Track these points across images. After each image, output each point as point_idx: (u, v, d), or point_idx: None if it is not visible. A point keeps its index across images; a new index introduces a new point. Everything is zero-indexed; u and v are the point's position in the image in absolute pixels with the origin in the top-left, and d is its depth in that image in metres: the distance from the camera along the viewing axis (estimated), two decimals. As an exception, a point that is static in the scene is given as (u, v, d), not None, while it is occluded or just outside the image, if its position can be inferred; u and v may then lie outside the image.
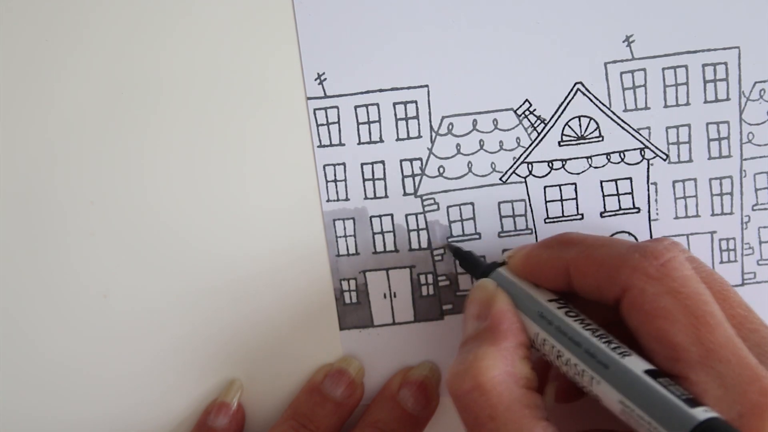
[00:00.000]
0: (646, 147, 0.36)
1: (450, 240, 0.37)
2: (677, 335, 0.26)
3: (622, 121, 0.36)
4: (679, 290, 0.27)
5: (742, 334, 0.27)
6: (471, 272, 0.35)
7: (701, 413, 0.25)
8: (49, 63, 0.36)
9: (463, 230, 0.37)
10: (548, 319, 0.30)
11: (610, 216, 0.37)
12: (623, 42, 0.36)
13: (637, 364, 0.27)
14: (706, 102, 0.36)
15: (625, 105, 0.36)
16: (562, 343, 0.29)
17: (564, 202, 0.37)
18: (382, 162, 0.37)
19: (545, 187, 0.37)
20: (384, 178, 0.37)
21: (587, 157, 0.36)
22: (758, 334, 0.28)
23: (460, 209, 0.37)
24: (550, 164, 0.37)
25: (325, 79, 0.36)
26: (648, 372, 0.27)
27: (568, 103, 0.36)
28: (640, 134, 0.36)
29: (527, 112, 0.36)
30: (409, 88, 0.36)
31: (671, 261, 0.28)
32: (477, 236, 0.37)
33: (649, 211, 0.37)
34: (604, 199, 0.37)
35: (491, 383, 0.28)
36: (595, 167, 0.37)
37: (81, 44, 0.36)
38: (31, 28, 0.36)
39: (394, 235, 0.37)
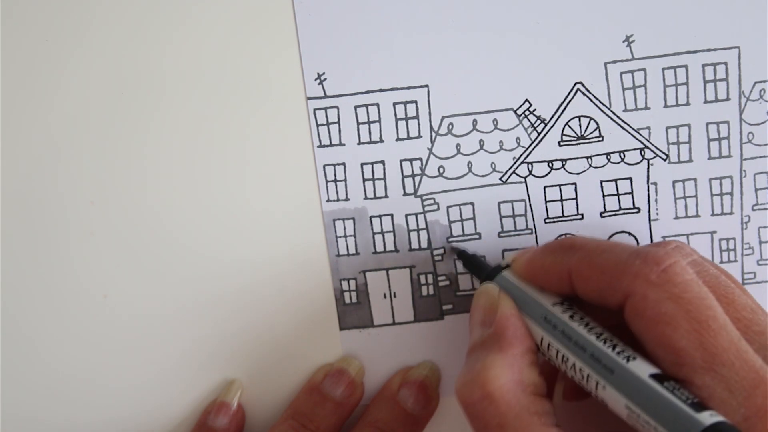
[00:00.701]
0: (646, 147, 0.36)
1: (450, 240, 0.37)
2: (680, 341, 0.26)
3: (622, 121, 0.36)
4: (681, 296, 0.27)
5: (748, 337, 0.27)
6: (474, 274, 0.35)
7: (707, 417, 0.25)
8: (50, 63, 0.36)
9: (463, 230, 0.37)
10: (553, 323, 0.30)
11: (610, 216, 0.37)
12: (623, 42, 0.36)
13: (642, 368, 0.27)
14: (706, 102, 0.36)
15: (625, 105, 0.36)
16: (568, 347, 0.29)
17: (564, 202, 0.37)
18: (382, 162, 0.37)
19: (545, 187, 0.37)
20: (384, 178, 0.37)
21: (587, 157, 0.36)
22: (765, 336, 0.28)
23: (460, 209, 0.37)
24: (550, 164, 0.37)
25: (325, 79, 0.36)
26: (653, 376, 0.27)
27: (568, 103, 0.36)
28: (640, 134, 0.36)
29: (527, 112, 0.36)
30: (409, 88, 0.36)
31: (672, 266, 0.28)
32: (477, 236, 0.37)
33: (649, 211, 0.37)
34: (604, 199, 0.37)
35: (499, 392, 0.28)
36: (595, 167, 0.37)
37: (82, 45, 0.36)
38: (31, 28, 0.36)
39: (394, 235, 0.37)
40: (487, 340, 0.30)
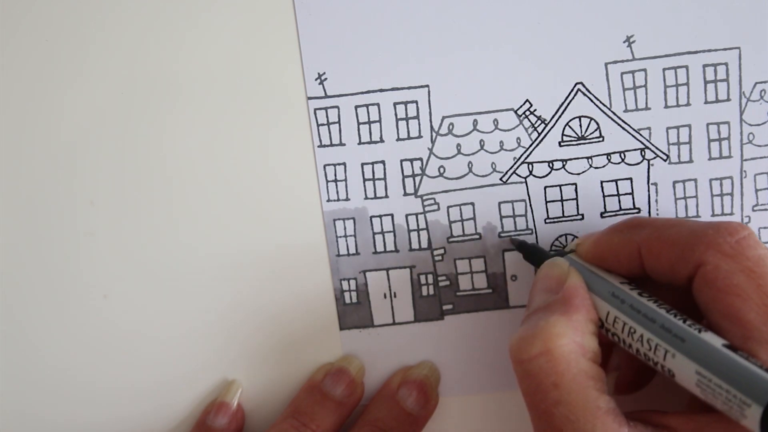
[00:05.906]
0: (647, 147, 0.36)
1: (450, 240, 0.37)
2: (749, 313, 0.27)
3: (623, 121, 0.36)
4: (753, 269, 0.27)
5: None
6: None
7: None
8: (51, 63, 0.36)
9: (463, 230, 0.37)
10: (621, 298, 0.30)
11: (610, 216, 0.37)
12: (624, 42, 0.36)
13: (713, 339, 0.27)
14: (706, 102, 0.36)
15: (626, 105, 0.36)
16: (636, 320, 0.29)
17: (564, 203, 0.37)
18: (383, 162, 0.37)
19: (545, 188, 0.37)
20: (384, 178, 0.37)
21: (588, 158, 0.36)
22: None
23: (460, 209, 0.37)
24: (551, 164, 0.37)
25: (325, 78, 0.36)
26: (725, 346, 0.27)
27: (568, 104, 0.36)
28: (640, 134, 0.36)
29: (528, 113, 0.36)
30: (409, 88, 0.36)
31: (746, 238, 0.28)
32: (477, 236, 0.37)
33: (649, 212, 0.37)
34: (604, 200, 0.37)
35: (560, 350, 0.28)
36: (596, 167, 0.36)
37: (82, 44, 0.36)
38: (33, 28, 0.36)
39: (395, 235, 0.37)
40: (552, 305, 0.30)
